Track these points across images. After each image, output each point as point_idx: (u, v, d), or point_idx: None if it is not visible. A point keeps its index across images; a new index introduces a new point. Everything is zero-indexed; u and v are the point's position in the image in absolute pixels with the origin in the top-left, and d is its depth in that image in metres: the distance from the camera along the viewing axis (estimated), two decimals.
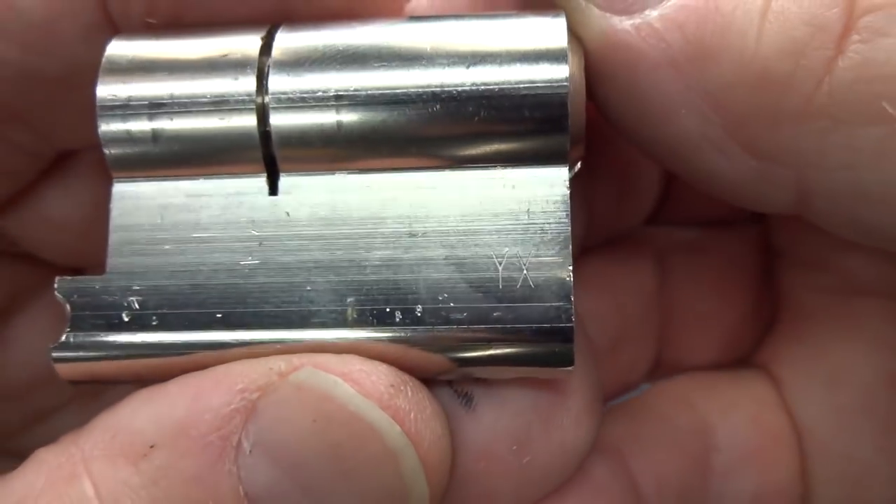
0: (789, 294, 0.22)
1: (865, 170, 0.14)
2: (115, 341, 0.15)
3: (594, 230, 0.22)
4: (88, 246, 0.20)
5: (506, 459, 0.15)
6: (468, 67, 0.15)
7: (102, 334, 0.15)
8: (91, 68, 0.16)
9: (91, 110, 0.16)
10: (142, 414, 0.14)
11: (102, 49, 0.15)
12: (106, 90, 0.15)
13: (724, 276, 0.23)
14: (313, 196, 0.15)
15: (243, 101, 0.15)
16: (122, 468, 0.13)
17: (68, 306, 0.15)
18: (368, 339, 0.14)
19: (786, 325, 0.22)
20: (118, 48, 0.15)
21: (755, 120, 0.14)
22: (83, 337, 0.15)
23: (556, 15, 0.15)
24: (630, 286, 0.22)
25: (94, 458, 0.14)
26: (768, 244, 0.23)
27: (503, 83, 0.15)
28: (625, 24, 0.14)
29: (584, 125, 0.16)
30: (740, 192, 0.16)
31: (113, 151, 0.15)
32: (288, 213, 0.15)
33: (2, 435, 0.21)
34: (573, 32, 0.15)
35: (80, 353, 0.15)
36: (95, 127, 0.16)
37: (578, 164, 0.16)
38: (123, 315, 0.15)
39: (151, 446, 0.13)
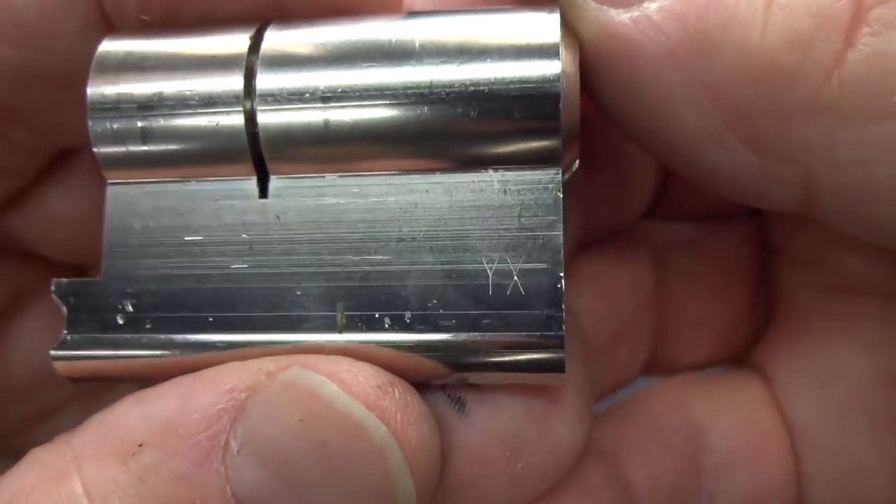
0: (785, 292, 0.22)
1: (877, 166, 0.13)
2: (111, 342, 0.15)
3: (591, 225, 0.21)
4: (89, 242, 0.20)
5: (499, 464, 0.16)
6: (459, 65, 0.14)
7: (99, 335, 0.15)
8: (87, 66, 0.16)
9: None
10: (133, 413, 0.14)
11: (94, 49, 0.15)
12: (96, 90, 0.15)
13: (721, 273, 0.23)
14: (303, 199, 0.15)
15: (230, 103, 0.15)
16: (110, 466, 0.14)
17: (65, 308, 0.15)
18: (359, 342, 0.14)
19: (781, 324, 0.22)
20: (109, 47, 0.15)
21: (759, 114, 0.14)
22: (80, 337, 0.15)
23: (551, 11, 0.15)
24: (627, 284, 0.22)
25: (84, 456, 0.14)
26: (766, 240, 0.23)
27: (494, 81, 0.14)
28: (622, 17, 0.14)
29: (579, 123, 0.15)
30: (741, 188, 0.16)
31: (103, 150, 0.15)
32: (278, 217, 0.15)
33: (4, 434, 0.21)
34: (569, 27, 0.15)
35: (78, 353, 0.15)
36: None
37: (576, 164, 0.16)
38: (118, 318, 0.15)
39: (140, 445, 0.14)
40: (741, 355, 0.23)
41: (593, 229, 0.22)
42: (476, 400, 0.15)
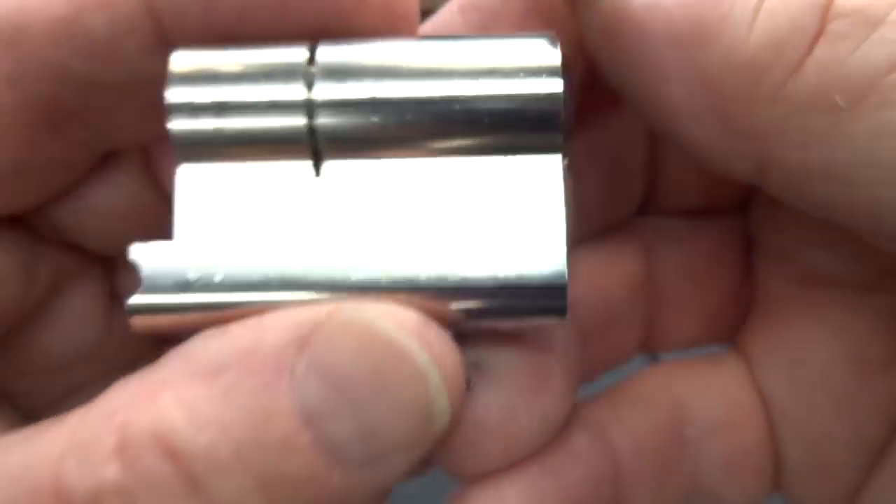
0: (764, 283, 0.25)
1: (814, 150, 0.16)
2: (183, 300, 0.17)
3: (584, 224, 0.24)
4: (125, 235, 0.22)
5: (496, 429, 0.19)
6: (474, 80, 0.17)
7: (172, 294, 0.17)
8: (147, 78, 0.18)
9: (143, 113, 0.19)
10: (211, 345, 0.17)
11: (168, 56, 0.18)
12: (174, 89, 0.18)
13: (707, 265, 0.25)
14: (349, 179, 0.18)
15: (294, 103, 0.17)
16: (197, 385, 0.16)
17: (141, 268, 0.17)
18: (400, 291, 0.17)
19: (760, 311, 0.25)
20: (182, 55, 0.18)
21: (732, 99, 0.17)
22: (155, 295, 0.17)
23: (552, 40, 0.18)
24: (619, 275, 0.24)
25: (171, 379, 0.16)
26: (748, 236, 0.26)
27: (504, 94, 0.17)
28: (637, 2, 0.17)
29: (572, 122, 0.18)
30: (710, 157, 0.19)
31: (179, 139, 0.18)
32: (328, 194, 0.18)
33: (40, 407, 0.24)
34: (584, 9, 0.18)
35: (154, 306, 0.17)
36: (149, 127, 0.19)
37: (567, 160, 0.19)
38: (190, 277, 0.17)
39: (220, 368, 0.16)
40: (726, 339, 0.26)
41: (586, 228, 0.24)
42: (480, 379, 0.19)
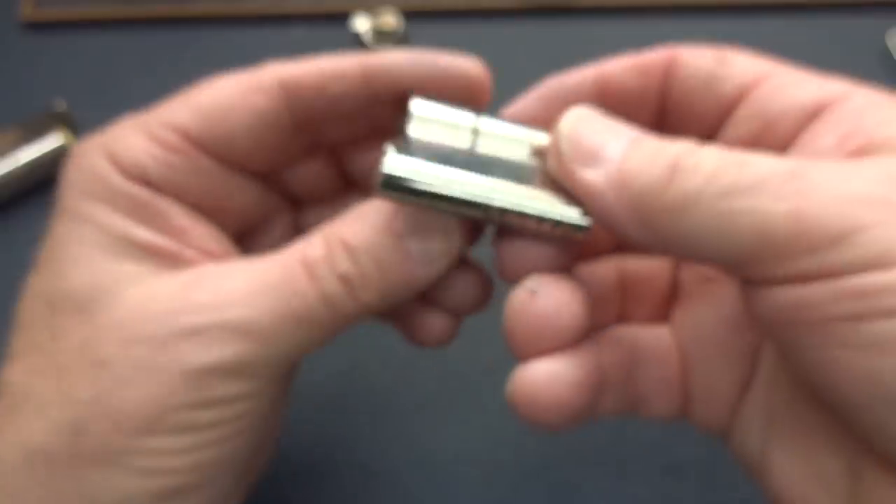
0: (685, 281, 0.36)
1: (689, 237, 0.26)
2: (407, 189, 0.29)
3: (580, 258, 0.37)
4: (325, 192, 0.38)
5: (549, 322, 0.29)
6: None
7: (402, 188, 0.29)
8: (350, 114, 0.34)
9: (341, 129, 0.35)
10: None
11: (409, 101, 0.30)
12: (414, 114, 0.30)
13: (653, 270, 0.37)
14: (489, 145, 0.31)
15: (466, 126, 0.31)
16: (363, 226, 0.32)
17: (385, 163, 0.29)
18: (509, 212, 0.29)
19: (682, 297, 0.35)
20: (418, 101, 0.30)
21: (649, 219, 0.26)
22: (394, 186, 0.29)
23: None
24: (603, 277, 0.36)
25: (351, 220, 0.32)
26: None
27: None
28: (592, 174, 0.27)
29: None
30: (645, 246, 0.27)
31: (415, 119, 0.30)
32: (484, 151, 0.30)
33: None
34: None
35: (393, 192, 0.29)
36: (343, 136, 0.36)
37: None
38: (412, 177, 0.29)
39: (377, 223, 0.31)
40: (668, 316, 0.36)
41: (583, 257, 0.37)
42: (539, 293, 0.29)
